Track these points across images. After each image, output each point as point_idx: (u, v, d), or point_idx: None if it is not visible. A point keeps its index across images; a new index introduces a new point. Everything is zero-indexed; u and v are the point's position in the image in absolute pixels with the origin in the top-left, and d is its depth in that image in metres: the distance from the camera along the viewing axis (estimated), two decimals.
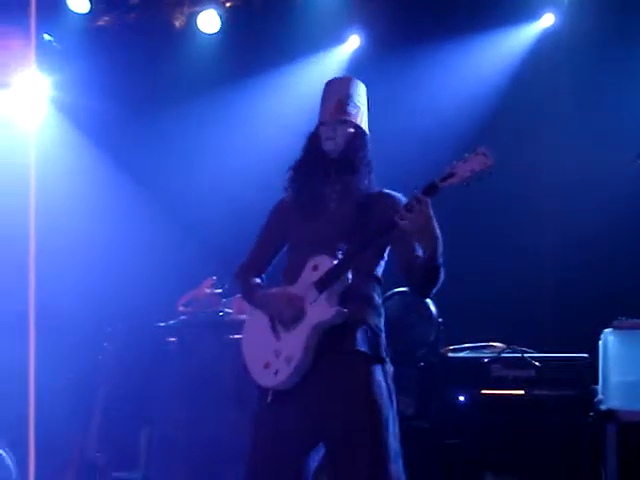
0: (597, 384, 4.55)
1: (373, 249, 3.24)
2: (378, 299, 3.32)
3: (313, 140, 3.35)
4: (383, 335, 3.29)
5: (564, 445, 4.50)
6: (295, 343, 3.17)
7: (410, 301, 4.85)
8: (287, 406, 3.18)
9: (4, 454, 5.16)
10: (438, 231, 3.07)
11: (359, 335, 3.20)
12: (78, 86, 6.38)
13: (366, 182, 3.30)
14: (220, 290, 5.23)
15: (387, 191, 3.35)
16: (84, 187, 6.24)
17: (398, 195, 3.33)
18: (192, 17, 6.33)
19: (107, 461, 5.25)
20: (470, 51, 5.95)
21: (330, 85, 3.43)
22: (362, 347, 3.20)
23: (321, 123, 3.35)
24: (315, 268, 3.21)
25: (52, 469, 5.01)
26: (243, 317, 4.91)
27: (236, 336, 4.98)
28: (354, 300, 3.20)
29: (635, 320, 4.52)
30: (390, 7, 6.07)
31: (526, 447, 4.55)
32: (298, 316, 3.19)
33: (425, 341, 4.87)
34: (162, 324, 5.22)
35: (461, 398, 4.71)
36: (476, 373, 4.72)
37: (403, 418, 4.65)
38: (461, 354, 4.87)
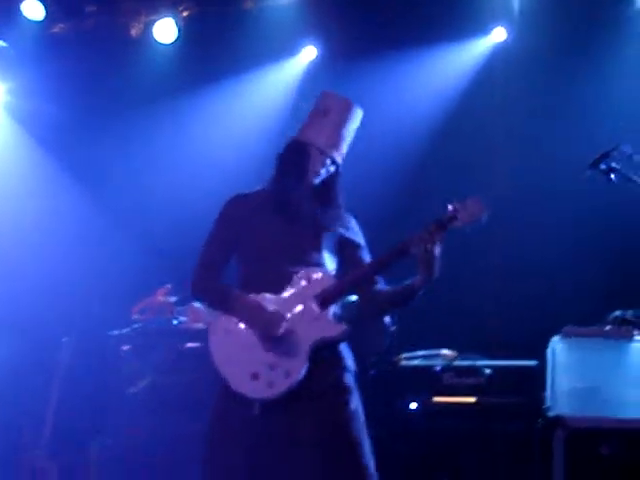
0: (545, 391, 4.61)
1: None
2: None
3: (303, 157, 3.31)
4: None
5: (515, 452, 4.55)
6: (295, 356, 3.16)
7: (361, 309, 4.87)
8: (275, 417, 3.17)
9: None
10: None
11: (345, 351, 3.29)
12: (32, 93, 6.35)
13: (336, 213, 3.37)
14: (175, 298, 5.22)
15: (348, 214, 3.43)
16: (36, 194, 6.20)
17: (351, 217, 3.43)
18: (149, 26, 6.32)
19: (58, 471, 5.20)
20: (422, 64, 6.01)
21: (336, 106, 3.35)
22: (348, 362, 3.29)
23: (318, 148, 3.30)
24: (309, 280, 3.21)
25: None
26: (198, 325, 4.97)
27: (190, 344, 4.99)
28: (344, 317, 3.28)
29: (583, 327, 4.59)
30: (345, 19, 6.12)
31: (477, 454, 4.60)
32: (289, 328, 3.17)
33: (377, 349, 4.91)
34: (116, 332, 5.19)
35: (413, 406, 4.75)
36: (428, 381, 4.76)
37: None
38: (413, 362, 4.92)
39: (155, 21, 6.29)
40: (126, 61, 6.40)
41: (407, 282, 3.24)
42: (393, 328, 4.94)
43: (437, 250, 3.15)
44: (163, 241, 6.10)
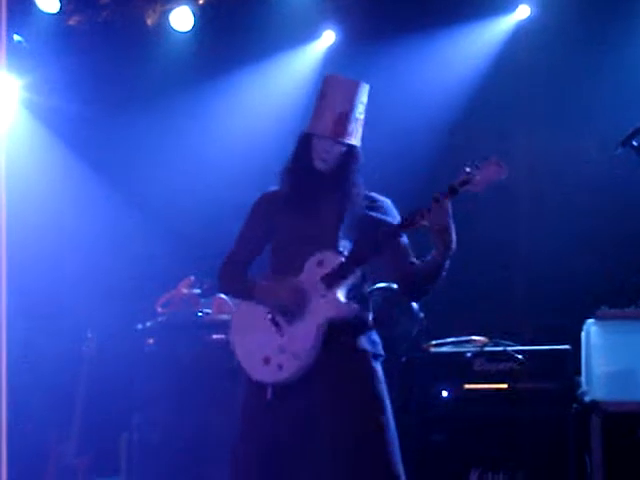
0: (580, 376, 4.54)
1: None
2: (368, 295, 3.35)
3: (305, 149, 3.29)
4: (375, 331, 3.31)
5: (549, 438, 4.49)
6: (303, 337, 3.14)
7: (391, 296, 4.81)
8: (289, 402, 3.15)
9: None
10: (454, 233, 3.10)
11: (361, 333, 3.23)
12: (49, 87, 6.31)
13: (355, 193, 3.29)
14: (199, 290, 5.18)
15: (373, 194, 3.36)
16: (56, 189, 6.18)
17: (383, 198, 3.37)
18: (164, 15, 6.26)
19: (88, 466, 5.20)
20: (445, 44, 5.95)
21: (333, 87, 3.30)
22: (365, 345, 3.23)
23: (317, 135, 3.27)
24: (320, 264, 3.18)
25: (28, 475, 4.92)
26: (223, 317, 4.93)
27: (215, 336, 4.94)
28: (356, 298, 3.22)
29: (618, 310, 4.51)
30: (363, 1, 6.04)
31: (510, 441, 4.54)
32: (303, 309, 3.16)
33: (407, 336, 4.85)
34: (140, 326, 5.16)
35: (444, 393, 4.69)
36: (459, 368, 4.69)
37: None
38: (443, 349, 4.85)
39: (171, 9, 6.23)
40: (143, 51, 6.36)
41: (427, 258, 3.19)
42: (422, 314, 4.88)
43: (447, 218, 3.06)
44: (186, 233, 6.07)
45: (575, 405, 4.47)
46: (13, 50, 6.09)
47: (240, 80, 6.32)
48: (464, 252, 5.51)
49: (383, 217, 3.30)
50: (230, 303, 4.93)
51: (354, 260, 3.17)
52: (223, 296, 4.97)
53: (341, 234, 3.23)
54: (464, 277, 5.54)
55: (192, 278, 5.20)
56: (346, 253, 3.21)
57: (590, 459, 4.37)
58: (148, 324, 5.14)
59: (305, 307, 3.16)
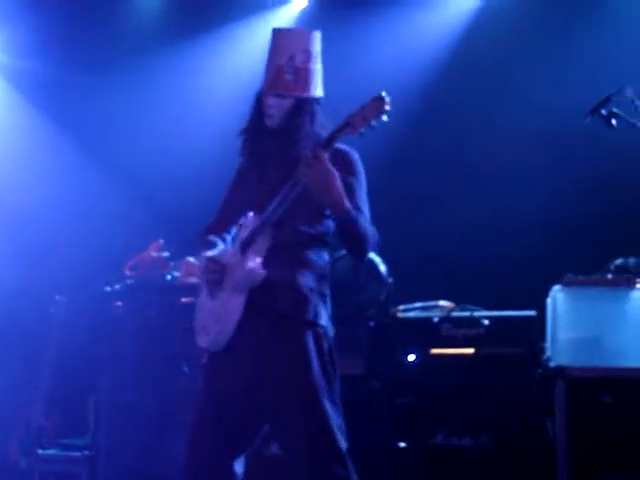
0: (545, 341, 4.59)
1: (304, 206, 3.07)
2: (317, 259, 3.16)
3: (255, 108, 3.21)
4: (317, 297, 3.14)
5: (513, 402, 4.54)
6: (223, 304, 3.13)
7: (359, 262, 4.82)
8: (220, 367, 3.15)
9: None
10: (339, 186, 2.96)
11: (284, 296, 3.10)
12: (17, 47, 6.23)
13: (304, 146, 3.12)
14: (167, 253, 5.16)
15: (339, 147, 3.14)
16: (26, 150, 6.11)
17: (347, 150, 3.20)
18: None
19: (55, 427, 5.20)
20: (417, 12, 5.92)
21: (275, 40, 3.21)
22: (287, 309, 3.11)
23: (263, 90, 3.18)
24: (245, 228, 3.15)
25: None
26: (191, 280, 4.92)
27: (184, 299, 4.94)
28: (281, 259, 3.10)
29: (584, 276, 4.55)
30: None
31: (476, 405, 4.59)
32: (224, 278, 3.13)
33: (375, 301, 4.87)
34: (109, 288, 5.14)
35: (411, 357, 4.72)
36: (426, 332, 4.73)
37: (353, 378, 4.71)
38: (411, 314, 4.88)
39: None
40: (113, 11, 6.29)
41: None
42: (390, 280, 4.90)
43: (319, 172, 2.93)
44: (156, 196, 6.04)
45: (540, 370, 4.52)
46: None
47: (211, 44, 6.26)
48: (434, 215, 5.60)
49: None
50: (198, 266, 4.91)
51: (266, 219, 3.08)
52: (191, 259, 4.96)
53: (273, 197, 3.10)
54: (432, 242, 5.60)
55: (161, 241, 5.17)
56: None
57: (553, 424, 4.43)
58: (117, 287, 5.12)
59: (227, 275, 3.12)
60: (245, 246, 3.11)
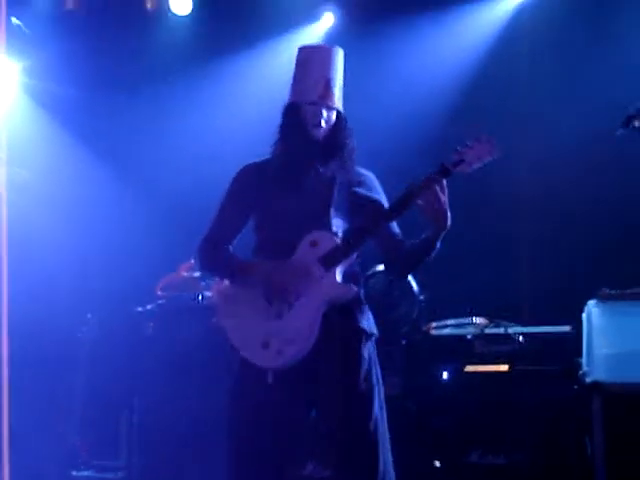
0: (581, 357, 4.53)
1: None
2: (360, 273, 3.29)
3: (296, 118, 3.21)
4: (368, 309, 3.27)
5: (549, 419, 4.50)
6: (302, 320, 3.07)
7: (391, 279, 4.80)
8: (289, 386, 3.10)
9: None
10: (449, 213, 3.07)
11: (359, 313, 3.18)
12: (48, 71, 6.28)
13: (349, 166, 3.24)
14: (199, 273, 5.17)
15: (358, 168, 3.29)
16: (56, 173, 6.16)
17: (367, 172, 3.31)
18: None
19: (88, 448, 5.21)
20: (445, 25, 5.93)
21: (313, 55, 3.27)
22: (363, 325, 3.18)
23: (307, 101, 3.20)
24: (314, 244, 3.13)
25: (30, 457, 4.93)
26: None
27: (215, 320, 4.93)
28: (352, 279, 3.17)
29: (619, 291, 4.50)
30: None
31: (511, 423, 4.55)
32: (296, 293, 3.10)
33: (408, 319, 4.84)
34: (140, 309, 5.15)
35: (445, 375, 4.69)
36: (460, 349, 4.70)
37: (387, 397, 4.67)
38: (444, 331, 4.85)
39: None
40: (142, 35, 6.35)
41: (423, 236, 3.14)
42: (422, 297, 4.87)
43: (442, 199, 3.03)
44: (187, 216, 6.05)
45: (576, 387, 4.47)
46: (12, 34, 6.06)
47: (240, 64, 6.31)
48: (466, 235, 5.58)
49: (370, 194, 3.25)
50: None
51: (351, 244, 3.12)
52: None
53: (333, 212, 3.17)
54: (466, 259, 5.56)
55: (192, 261, 5.19)
56: (339, 232, 3.16)
57: (591, 441, 4.37)
58: (148, 307, 5.14)
59: (302, 289, 3.09)
60: (328, 263, 3.11)
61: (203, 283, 5.15)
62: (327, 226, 3.16)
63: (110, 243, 6.03)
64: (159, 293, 5.19)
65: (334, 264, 3.10)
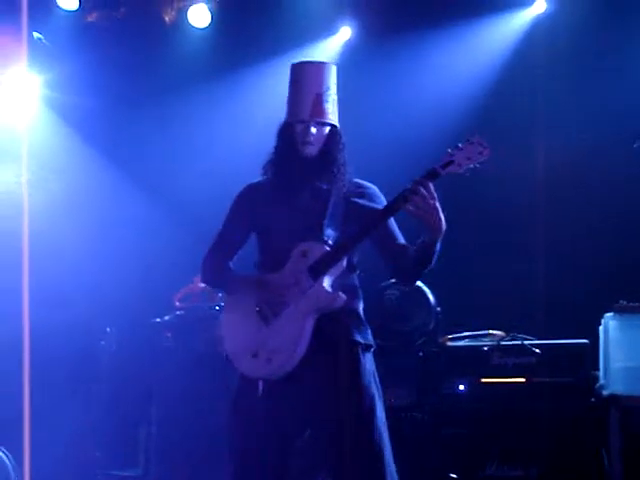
0: (598, 370, 4.52)
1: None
2: (358, 284, 3.29)
3: (287, 137, 3.25)
4: (366, 320, 3.26)
5: (566, 432, 4.48)
6: (291, 330, 3.09)
7: (408, 291, 4.81)
8: (279, 396, 3.12)
9: (3, 455, 5.12)
10: (442, 215, 3.04)
11: (351, 323, 3.17)
12: (69, 84, 6.33)
13: (343, 172, 3.25)
14: None
15: (360, 181, 3.31)
16: (77, 185, 6.20)
17: (370, 185, 3.32)
18: (182, 11, 6.29)
19: (106, 459, 5.23)
20: (462, 40, 5.92)
21: (303, 71, 3.30)
22: (356, 336, 3.17)
23: (297, 120, 3.24)
24: (304, 254, 3.14)
25: (49, 469, 4.96)
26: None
27: None
28: (343, 288, 3.15)
29: (636, 304, 4.49)
30: None
31: (527, 435, 4.54)
32: (285, 302, 3.12)
33: (424, 331, 4.85)
34: (158, 320, 5.18)
35: (461, 387, 4.68)
36: (476, 362, 4.69)
37: (403, 409, 4.68)
38: (460, 343, 4.85)
39: (188, 6, 6.26)
40: (161, 48, 6.38)
41: (419, 241, 3.13)
42: (438, 308, 4.87)
43: (431, 202, 2.99)
44: (204, 227, 6.06)
45: (593, 399, 4.46)
46: (33, 47, 6.13)
47: (257, 76, 6.31)
48: (481, 247, 5.57)
49: (369, 204, 3.25)
50: None
51: (338, 249, 3.12)
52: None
53: (326, 222, 3.18)
54: (481, 271, 5.56)
55: None
56: (331, 242, 3.16)
57: (607, 454, 4.36)
58: (166, 318, 5.17)
59: (290, 299, 3.11)
60: (316, 271, 3.12)
61: (220, 294, 5.17)
62: (318, 236, 3.17)
63: (129, 254, 6.06)
64: (177, 304, 5.21)
65: (323, 271, 3.11)
